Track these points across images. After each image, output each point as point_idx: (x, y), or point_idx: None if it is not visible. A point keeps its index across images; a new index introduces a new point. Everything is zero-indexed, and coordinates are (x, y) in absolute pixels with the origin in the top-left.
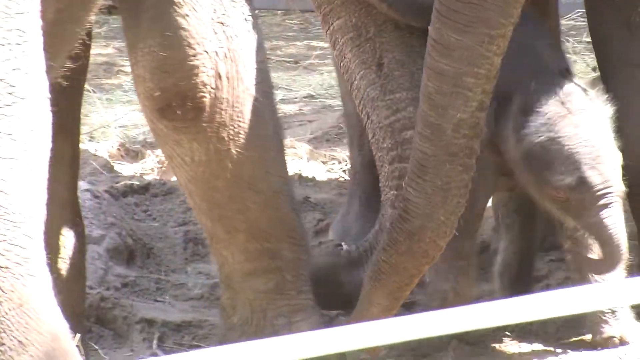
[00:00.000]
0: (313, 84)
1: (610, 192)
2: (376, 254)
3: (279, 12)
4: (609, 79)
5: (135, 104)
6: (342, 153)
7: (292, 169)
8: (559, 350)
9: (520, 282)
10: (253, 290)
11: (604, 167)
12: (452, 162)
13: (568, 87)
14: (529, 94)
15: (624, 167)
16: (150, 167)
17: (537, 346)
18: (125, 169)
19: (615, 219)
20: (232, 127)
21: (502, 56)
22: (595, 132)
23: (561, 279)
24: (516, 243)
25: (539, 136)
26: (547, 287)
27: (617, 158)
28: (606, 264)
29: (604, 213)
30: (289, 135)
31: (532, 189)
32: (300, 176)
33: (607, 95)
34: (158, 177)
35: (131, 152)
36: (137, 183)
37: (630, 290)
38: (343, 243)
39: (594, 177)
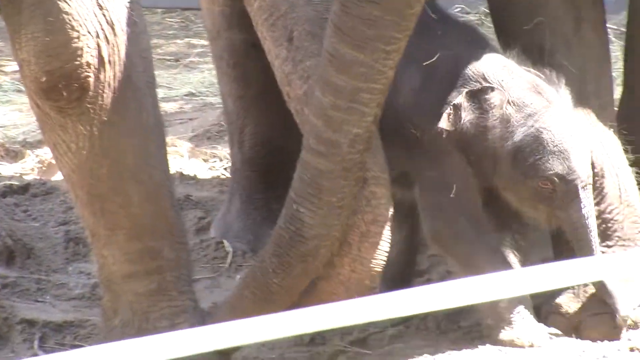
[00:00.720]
0: (194, 82)
1: (586, 185)
2: (263, 275)
3: (159, 10)
4: None
5: (15, 104)
6: (224, 151)
7: (173, 167)
8: (441, 345)
9: (402, 279)
10: (134, 292)
11: (580, 159)
12: (346, 178)
13: (538, 79)
14: (504, 87)
15: None
16: (30, 167)
17: (418, 342)
18: (5, 169)
19: (589, 211)
20: (114, 112)
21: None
22: (569, 123)
23: (442, 272)
24: (401, 243)
25: (527, 127)
26: (428, 281)
27: (588, 150)
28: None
29: (582, 207)
30: (170, 134)
31: (512, 183)
32: (181, 174)
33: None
34: (38, 177)
35: (11, 152)
36: (17, 183)
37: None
38: (224, 241)
39: (580, 168)
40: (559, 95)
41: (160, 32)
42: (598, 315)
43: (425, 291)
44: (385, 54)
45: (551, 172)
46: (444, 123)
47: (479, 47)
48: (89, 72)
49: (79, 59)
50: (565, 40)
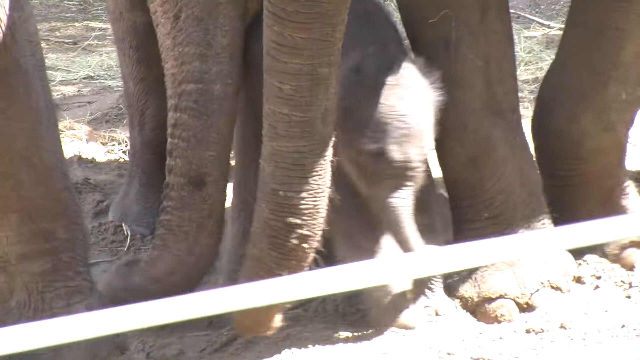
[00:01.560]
0: (92, 65)
1: (407, 174)
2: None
3: None
4: None
5: None
6: (122, 134)
7: (71, 150)
8: (339, 328)
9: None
10: (29, 273)
11: (412, 147)
12: (325, 155)
13: (405, 62)
14: (365, 56)
15: None
16: None
17: (316, 325)
18: None
19: (403, 200)
20: (2, 97)
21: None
22: (417, 111)
23: None
24: (241, 234)
25: (360, 97)
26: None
27: (431, 144)
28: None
29: (396, 192)
30: (69, 117)
31: (340, 146)
32: (79, 157)
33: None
34: None
35: None
36: None
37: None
38: (123, 224)
39: (396, 153)
40: (419, 83)
41: (58, 14)
42: (494, 300)
43: (323, 274)
44: (332, 28)
45: (363, 146)
46: None
47: (367, 19)
48: None
49: None
50: (470, 30)
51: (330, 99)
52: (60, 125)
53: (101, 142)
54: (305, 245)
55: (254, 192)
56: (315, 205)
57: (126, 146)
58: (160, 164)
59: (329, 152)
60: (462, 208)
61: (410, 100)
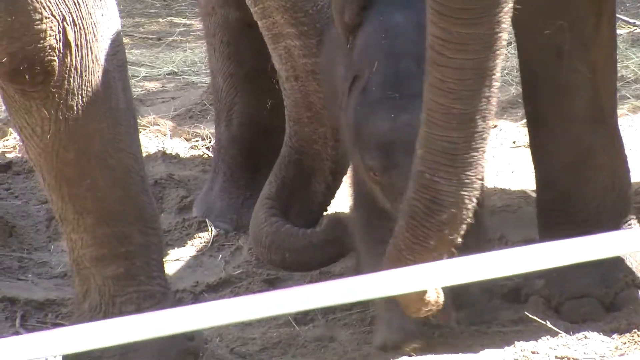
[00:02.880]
0: (176, 60)
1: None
2: (396, 254)
3: None
4: None
5: None
6: (206, 130)
7: (155, 146)
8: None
9: None
10: (102, 276)
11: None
12: (480, 147)
13: (410, 73)
14: (372, 74)
15: None
16: (12, 145)
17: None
18: None
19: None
20: (81, 96)
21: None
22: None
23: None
24: None
25: (363, 112)
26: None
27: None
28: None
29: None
30: (152, 112)
31: (357, 165)
32: (164, 153)
33: None
34: (20, 155)
35: None
36: None
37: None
38: (207, 220)
39: (405, 162)
40: (421, 92)
41: (142, 10)
42: (579, 299)
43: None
44: (497, 21)
45: (373, 162)
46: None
47: (390, 32)
48: (52, 56)
49: (41, 41)
50: (583, 42)
51: (492, 92)
52: (144, 121)
53: (185, 138)
54: (440, 233)
55: None
56: (461, 196)
57: (210, 142)
58: (245, 159)
59: (485, 146)
60: (553, 211)
61: (416, 109)
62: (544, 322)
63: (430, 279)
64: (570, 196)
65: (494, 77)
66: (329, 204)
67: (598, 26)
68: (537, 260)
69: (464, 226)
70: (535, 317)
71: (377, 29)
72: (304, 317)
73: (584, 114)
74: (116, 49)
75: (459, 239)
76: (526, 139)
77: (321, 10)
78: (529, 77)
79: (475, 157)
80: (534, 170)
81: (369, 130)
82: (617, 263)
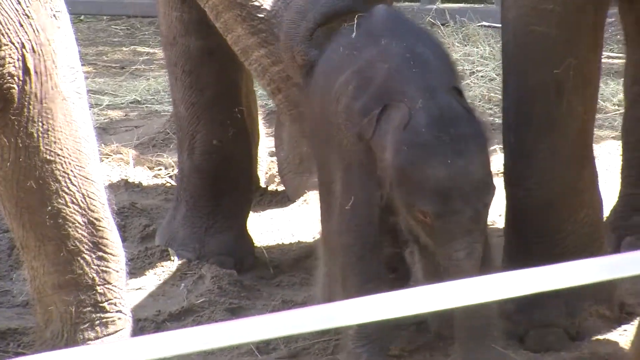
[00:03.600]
0: (139, 89)
1: (475, 229)
2: None
3: (105, 17)
4: None
5: None
6: (169, 159)
7: (118, 175)
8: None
9: None
10: (63, 304)
11: (477, 201)
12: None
13: (455, 111)
14: (414, 110)
15: None
16: None
17: None
18: None
19: (473, 255)
20: (41, 123)
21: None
22: (474, 161)
23: None
24: None
25: (415, 155)
26: None
27: (492, 193)
28: None
29: (466, 248)
30: (115, 141)
31: (401, 206)
32: (126, 182)
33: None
34: None
35: None
36: None
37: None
38: (169, 249)
39: (461, 208)
40: (473, 131)
41: (105, 39)
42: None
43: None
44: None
45: (427, 207)
46: (357, 130)
47: (417, 61)
48: (11, 84)
49: (0, 69)
50: (586, 82)
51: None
52: (107, 150)
53: (148, 167)
54: None
55: None
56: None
57: (173, 171)
58: (207, 188)
59: None
60: (530, 245)
61: (469, 152)
62: (504, 351)
63: (397, 307)
64: (548, 231)
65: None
66: None
67: (596, 63)
68: (508, 287)
69: None
70: (496, 346)
71: (401, 53)
72: (266, 346)
73: (572, 151)
74: (75, 75)
75: None
76: None
77: (277, 14)
78: (521, 111)
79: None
80: (505, 202)
81: (424, 175)
82: (583, 292)
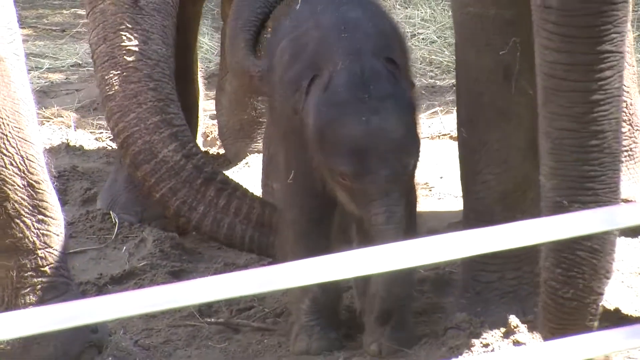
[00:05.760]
0: (80, 52)
1: (395, 190)
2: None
3: None
4: None
5: None
6: None
7: (59, 138)
8: None
9: None
10: (4, 268)
11: (395, 162)
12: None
13: (377, 71)
14: (335, 72)
15: None
16: None
17: None
18: None
19: (394, 216)
20: None
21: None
22: (392, 121)
23: None
24: None
25: (331, 114)
26: None
27: (413, 154)
28: None
29: (386, 210)
30: (56, 104)
31: (323, 170)
32: (67, 145)
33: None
34: None
35: None
36: None
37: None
38: (111, 212)
39: (377, 168)
40: (395, 92)
41: (46, 2)
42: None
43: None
44: (622, 36)
45: (345, 168)
46: (289, 103)
47: (349, 27)
48: None
49: None
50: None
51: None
52: (48, 113)
53: (89, 130)
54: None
55: None
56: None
57: None
58: None
59: (619, 165)
60: None
61: (388, 112)
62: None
63: (338, 270)
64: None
65: (621, 94)
66: None
67: None
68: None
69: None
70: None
71: (334, 21)
72: (208, 309)
73: (525, 142)
74: (13, 37)
75: None
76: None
77: None
78: (472, 98)
79: (615, 179)
80: (461, 195)
81: (340, 135)
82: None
